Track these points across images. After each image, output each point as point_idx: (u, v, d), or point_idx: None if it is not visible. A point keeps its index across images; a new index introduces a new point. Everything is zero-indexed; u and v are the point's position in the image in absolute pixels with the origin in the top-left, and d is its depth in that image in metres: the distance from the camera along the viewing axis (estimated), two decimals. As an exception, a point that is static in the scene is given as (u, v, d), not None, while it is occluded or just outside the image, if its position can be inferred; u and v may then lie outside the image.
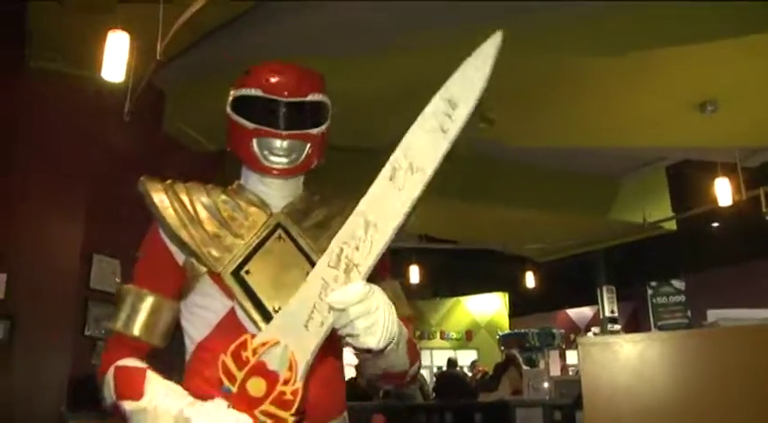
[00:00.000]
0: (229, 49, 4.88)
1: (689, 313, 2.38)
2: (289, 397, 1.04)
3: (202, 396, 1.21)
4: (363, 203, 1.08)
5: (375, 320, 1.07)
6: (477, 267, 13.51)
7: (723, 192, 5.93)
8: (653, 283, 2.44)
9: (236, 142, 1.50)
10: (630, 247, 9.43)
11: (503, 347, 11.70)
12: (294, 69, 1.49)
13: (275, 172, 1.46)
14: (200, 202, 1.49)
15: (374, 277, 1.31)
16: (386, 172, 1.08)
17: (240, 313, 1.38)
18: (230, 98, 1.50)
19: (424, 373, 12.47)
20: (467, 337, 14.02)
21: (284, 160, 1.45)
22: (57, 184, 4.75)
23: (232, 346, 1.07)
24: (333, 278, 1.06)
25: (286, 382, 1.04)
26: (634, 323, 12.51)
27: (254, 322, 1.35)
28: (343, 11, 4.37)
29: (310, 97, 1.46)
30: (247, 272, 1.39)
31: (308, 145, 1.46)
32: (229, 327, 1.36)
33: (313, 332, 1.06)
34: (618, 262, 12.03)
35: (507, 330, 12.77)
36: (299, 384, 1.05)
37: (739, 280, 10.66)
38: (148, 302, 1.43)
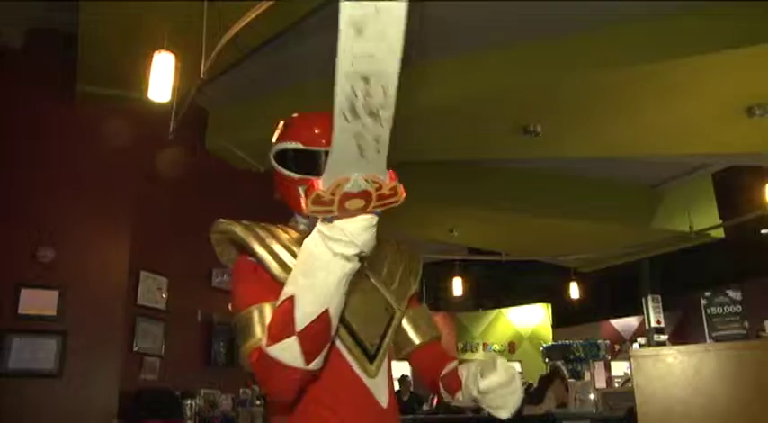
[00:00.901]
0: (273, 66, 4.95)
1: (746, 324, 2.31)
2: (389, 192, 1.13)
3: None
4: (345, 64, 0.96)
5: (514, 399, 1.40)
6: (520, 278, 13.40)
7: (772, 197, 5.78)
8: (707, 293, 2.38)
9: (284, 191, 1.61)
10: (676, 255, 9.25)
11: (547, 359, 11.57)
12: (328, 119, 1.51)
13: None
14: (291, 244, 1.53)
15: (405, 303, 1.66)
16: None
17: (341, 347, 1.49)
18: (273, 151, 1.60)
19: (468, 385, 12.36)
20: (510, 349, 13.86)
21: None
22: (105, 203, 4.84)
23: (311, 197, 1.12)
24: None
25: (380, 188, 1.11)
26: (680, 333, 12.24)
27: (355, 356, 1.50)
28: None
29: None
30: (345, 310, 1.44)
31: None
32: (334, 361, 1.45)
33: (373, 158, 1.08)
34: (663, 271, 11.81)
35: (550, 342, 12.62)
36: (390, 178, 1.11)
37: (794, 289, 10.35)
38: (273, 306, 1.39)
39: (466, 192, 7.07)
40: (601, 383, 9.30)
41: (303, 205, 1.13)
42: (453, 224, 7.98)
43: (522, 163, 6.90)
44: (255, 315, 1.40)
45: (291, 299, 1.25)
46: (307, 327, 1.24)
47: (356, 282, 1.48)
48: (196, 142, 5.51)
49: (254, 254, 1.49)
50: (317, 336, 1.27)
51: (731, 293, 2.35)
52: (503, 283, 13.87)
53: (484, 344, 13.87)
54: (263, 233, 1.53)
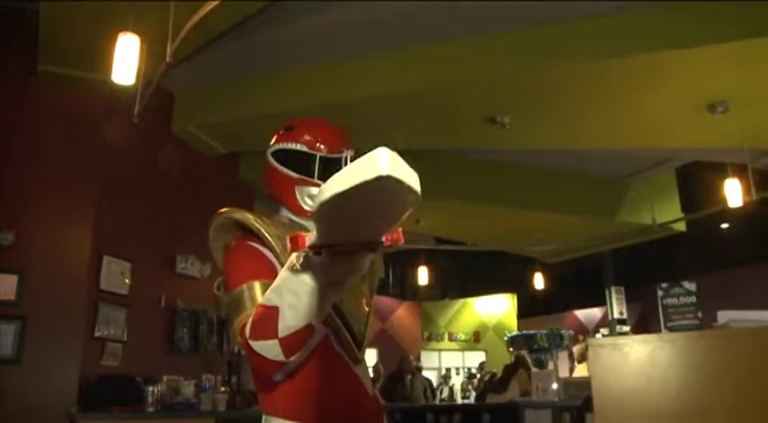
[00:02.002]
0: (239, 51, 4.91)
1: (699, 314, 2.37)
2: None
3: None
4: None
5: None
6: (486, 269, 13.50)
7: (733, 193, 5.89)
8: (663, 285, 2.43)
9: (278, 187, 1.71)
10: (639, 248, 9.41)
11: (512, 349, 11.68)
12: (333, 128, 1.74)
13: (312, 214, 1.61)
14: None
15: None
16: None
17: (333, 338, 1.57)
18: (272, 149, 1.71)
19: (432, 374, 12.46)
20: (475, 339, 14.00)
21: None
22: (66, 187, 4.77)
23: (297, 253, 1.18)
24: None
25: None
26: (643, 324, 12.46)
27: (345, 346, 1.59)
28: (354, 9, 4.40)
29: (344, 153, 1.70)
30: (339, 302, 1.56)
31: None
32: (326, 350, 1.53)
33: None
34: (627, 263, 12.01)
35: (515, 331, 12.75)
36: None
37: (749, 282, 10.60)
38: (264, 285, 1.44)
39: (432, 182, 7.01)
40: (564, 373, 9.41)
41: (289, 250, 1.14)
42: (419, 214, 8.01)
43: (490, 154, 6.95)
44: (246, 292, 1.46)
45: (276, 309, 1.28)
46: (289, 335, 1.30)
47: None
48: (162, 126, 5.45)
49: (266, 240, 1.57)
50: (298, 339, 1.32)
51: (686, 285, 2.40)
52: (468, 273, 13.97)
53: (449, 333, 13.99)
54: (266, 223, 1.62)
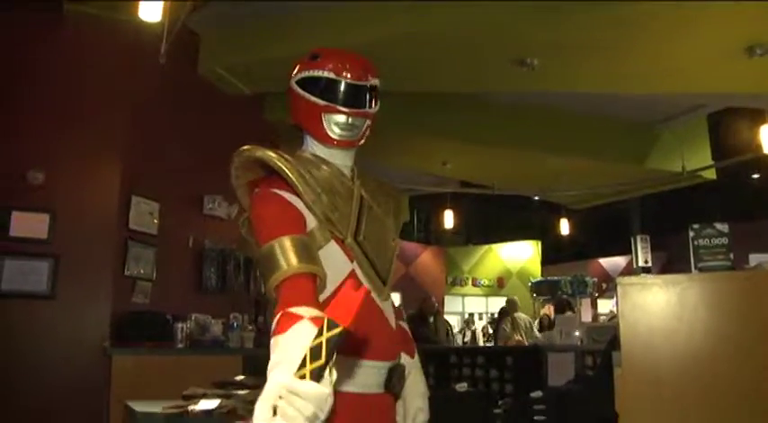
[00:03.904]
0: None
1: (731, 256, 2.34)
2: None
3: None
4: None
5: None
6: (511, 215, 13.48)
7: (767, 139, 5.76)
8: (695, 226, 2.40)
9: (305, 116, 1.69)
10: (667, 196, 9.31)
11: (535, 294, 11.74)
12: (357, 56, 1.72)
13: (343, 144, 1.68)
14: (311, 172, 1.64)
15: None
16: None
17: (360, 273, 1.62)
18: (297, 77, 1.69)
19: (455, 319, 12.58)
20: (498, 285, 14.06)
21: (347, 133, 1.67)
22: (95, 127, 4.79)
23: None
24: None
25: None
26: (667, 273, 12.41)
27: (372, 281, 1.63)
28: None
29: (371, 81, 1.70)
30: (364, 238, 1.64)
31: (366, 122, 1.70)
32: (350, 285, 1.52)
33: None
34: (653, 211, 11.91)
35: (539, 278, 12.79)
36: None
37: (780, 233, 10.46)
38: (293, 240, 1.48)
39: (461, 124, 7.02)
40: (587, 319, 9.48)
41: None
42: (447, 157, 7.97)
43: (518, 98, 6.85)
44: (277, 249, 1.45)
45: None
46: None
47: (370, 211, 1.71)
48: (188, 67, 5.42)
49: (287, 177, 1.57)
50: None
51: (719, 226, 2.37)
52: (494, 219, 13.96)
53: (473, 279, 14.05)
54: (287, 159, 1.62)
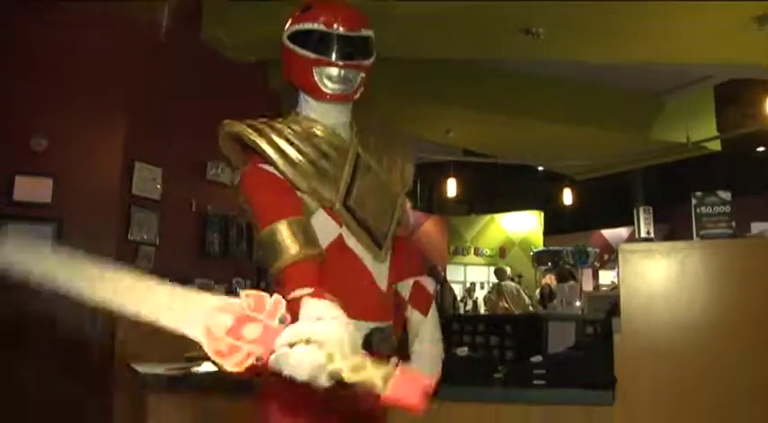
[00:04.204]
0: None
1: (733, 224, 2.34)
2: None
3: None
4: None
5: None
6: (514, 184, 13.46)
7: (774, 111, 5.73)
8: (698, 193, 2.40)
9: (297, 71, 1.65)
10: (671, 167, 9.29)
11: (537, 264, 11.78)
12: (348, 8, 1.67)
13: (336, 98, 1.64)
14: (295, 140, 1.61)
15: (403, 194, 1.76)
16: None
17: (348, 239, 1.61)
18: (288, 32, 1.65)
19: (457, 288, 12.65)
20: (500, 254, 14.08)
21: (341, 87, 1.62)
22: (98, 93, 4.77)
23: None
24: None
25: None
26: (670, 244, 12.41)
27: (363, 244, 1.62)
28: None
29: (363, 32, 1.65)
30: (354, 202, 1.61)
31: (361, 74, 1.65)
32: (339, 250, 1.59)
33: None
34: (657, 182, 11.88)
35: (541, 248, 12.81)
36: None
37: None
38: (291, 223, 1.49)
39: (464, 93, 6.99)
40: (588, 289, 9.53)
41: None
42: (450, 125, 7.93)
43: (524, 66, 6.79)
44: (276, 236, 1.46)
45: None
46: None
47: (363, 170, 1.66)
48: (191, 33, 5.38)
49: (262, 152, 1.56)
50: None
51: (722, 194, 2.37)
52: (496, 188, 13.95)
53: (475, 248, 14.09)
54: (268, 130, 1.60)
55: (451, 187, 9.72)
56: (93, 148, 4.76)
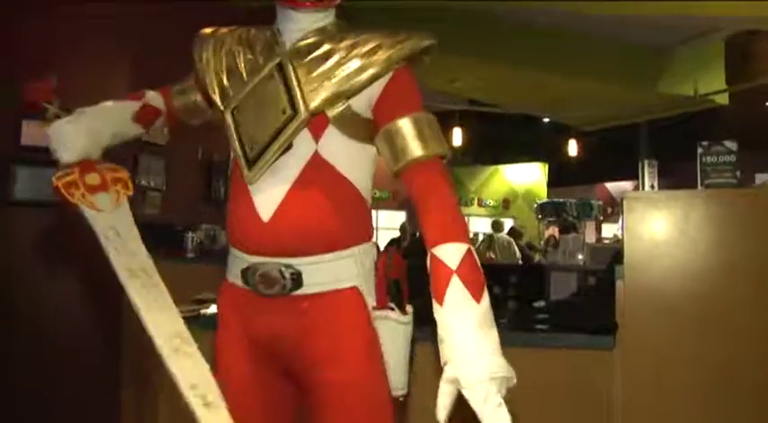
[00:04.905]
0: None
1: (738, 173, 2.36)
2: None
3: None
4: None
5: None
6: (519, 136, 13.38)
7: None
8: (704, 143, 2.41)
9: None
10: (676, 120, 9.24)
11: (540, 216, 11.82)
12: None
13: (308, 4, 1.44)
14: (229, 47, 1.54)
15: (334, 106, 1.40)
16: None
17: (234, 149, 1.47)
18: None
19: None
20: (504, 206, 14.12)
21: None
22: (105, 39, 4.72)
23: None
24: None
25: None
26: (674, 197, 12.44)
27: (237, 156, 1.44)
28: None
29: None
30: (236, 109, 1.45)
31: None
32: (234, 164, 1.50)
33: None
34: (663, 135, 11.81)
35: (545, 200, 12.84)
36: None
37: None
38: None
39: (471, 42, 6.91)
40: (591, 241, 9.60)
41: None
42: (456, 74, 7.87)
43: (531, 16, 6.71)
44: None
45: None
46: None
47: (267, 77, 1.43)
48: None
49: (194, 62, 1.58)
50: None
51: (728, 144, 2.39)
52: (501, 139, 13.87)
53: (479, 199, 14.11)
54: (210, 40, 1.59)
55: (456, 137, 9.68)
56: (102, 91, 4.71)
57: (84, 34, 4.65)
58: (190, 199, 5.29)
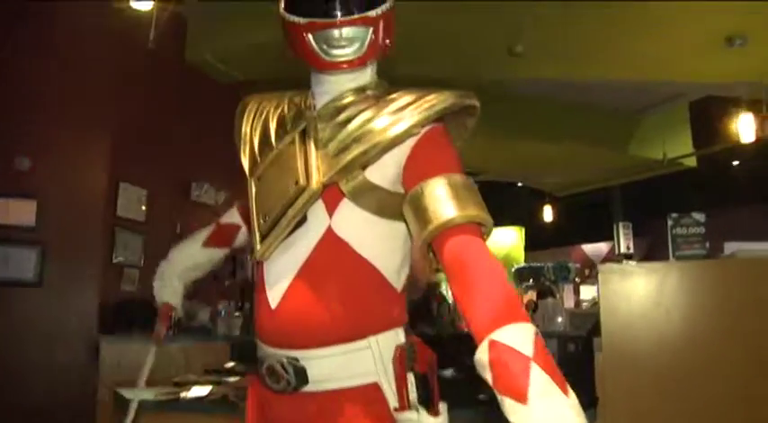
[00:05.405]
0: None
1: (707, 244, 2.43)
2: None
3: None
4: None
5: None
6: (495, 201, 13.43)
7: (746, 128, 5.88)
8: (674, 215, 2.48)
9: (294, 42, 1.33)
10: (649, 183, 9.43)
11: (519, 281, 11.84)
12: None
13: (344, 65, 1.32)
14: (266, 114, 1.45)
15: (348, 178, 1.26)
16: None
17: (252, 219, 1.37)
18: None
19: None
20: (483, 271, 14.11)
21: (346, 51, 1.30)
22: (83, 113, 4.78)
23: None
24: None
25: None
26: (649, 259, 12.55)
27: (254, 230, 1.33)
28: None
29: None
30: (258, 178, 1.36)
31: (371, 30, 1.30)
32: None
33: None
34: (635, 198, 12.02)
35: (523, 264, 12.88)
36: None
37: (758, 220, 10.63)
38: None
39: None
40: (569, 306, 9.60)
41: None
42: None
43: (503, 85, 6.90)
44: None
45: None
46: None
47: (280, 153, 1.35)
48: (176, 53, 5.43)
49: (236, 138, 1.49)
50: None
51: (696, 216, 2.45)
52: (478, 205, 13.96)
53: (458, 265, 14.11)
54: (253, 109, 1.50)
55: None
56: (78, 169, 4.77)
57: (59, 113, 4.70)
58: (168, 275, 5.25)
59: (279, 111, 1.42)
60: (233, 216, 1.85)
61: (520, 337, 0.95)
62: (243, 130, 1.46)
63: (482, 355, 0.96)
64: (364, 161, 1.25)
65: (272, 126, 1.40)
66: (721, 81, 6.12)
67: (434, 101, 1.27)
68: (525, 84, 6.74)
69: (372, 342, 1.25)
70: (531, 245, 14.33)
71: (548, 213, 10.35)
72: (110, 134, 4.88)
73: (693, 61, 5.56)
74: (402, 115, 1.24)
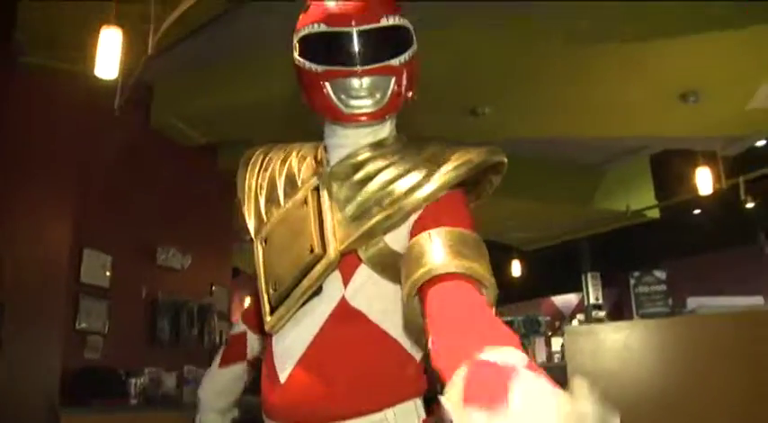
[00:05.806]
0: (220, 41, 4.91)
1: (669, 301, 2.47)
2: None
3: None
4: None
5: None
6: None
7: (704, 181, 6.05)
8: (636, 273, 2.52)
9: (309, 92, 1.25)
10: (615, 234, 9.56)
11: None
12: None
13: (363, 118, 1.23)
14: (273, 167, 1.36)
15: (366, 245, 1.15)
16: None
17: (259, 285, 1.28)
18: (294, 43, 1.27)
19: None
20: (454, 326, 14.07)
21: (367, 102, 1.22)
22: (46, 179, 4.76)
23: None
24: None
25: None
26: (619, 308, 12.65)
27: (263, 299, 1.24)
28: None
29: (384, 22, 1.20)
30: (265, 239, 1.27)
31: (393, 79, 1.22)
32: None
33: None
34: (602, 249, 12.16)
35: (493, 319, 12.85)
36: None
37: (719, 266, 10.85)
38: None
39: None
40: (541, 358, 9.59)
41: None
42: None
43: (466, 143, 7.01)
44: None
45: None
46: None
47: (290, 214, 1.25)
48: (141, 119, 5.44)
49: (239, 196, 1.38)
50: None
51: (657, 274, 2.50)
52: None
53: (428, 321, 14.06)
54: (257, 165, 1.39)
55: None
56: (40, 234, 4.71)
57: (21, 177, 4.66)
58: (133, 342, 5.15)
59: (287, 164, 1.33)
60: (239, 325, 1.68)
61: (510, 356, 0.80)
62: (247, 183, 1.37)
63: (456, 379, 0.79)
64: (387, 227, 1.16)
65: (280, 182, 1.31)
66: (678, 135, 6.30)
67: (462, 159, 1.22)
68: (490, 143, 6.85)
69: (389, 414, 1.16)
70: (500, 300, 14.29)
71: (516, 268, 10.41)
72: (73, 199, 4.85)
73: (651, 117, 5.74)
74: (427, 175, 1.17)
